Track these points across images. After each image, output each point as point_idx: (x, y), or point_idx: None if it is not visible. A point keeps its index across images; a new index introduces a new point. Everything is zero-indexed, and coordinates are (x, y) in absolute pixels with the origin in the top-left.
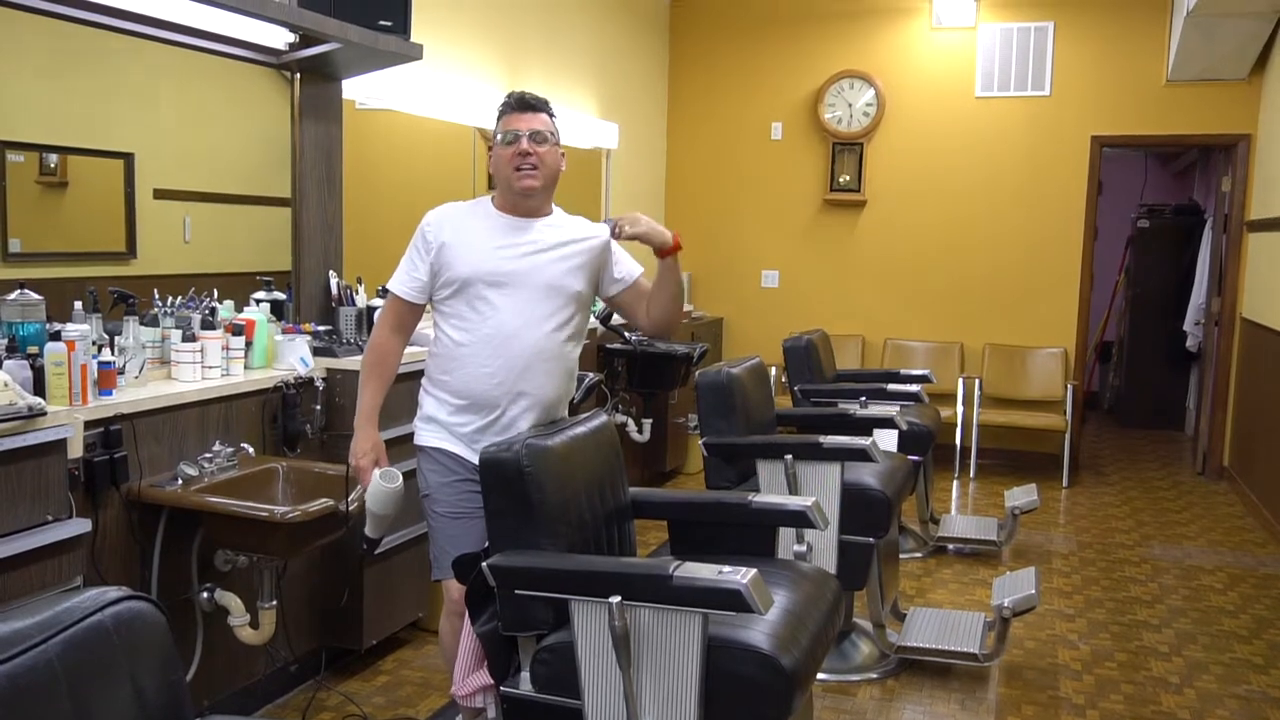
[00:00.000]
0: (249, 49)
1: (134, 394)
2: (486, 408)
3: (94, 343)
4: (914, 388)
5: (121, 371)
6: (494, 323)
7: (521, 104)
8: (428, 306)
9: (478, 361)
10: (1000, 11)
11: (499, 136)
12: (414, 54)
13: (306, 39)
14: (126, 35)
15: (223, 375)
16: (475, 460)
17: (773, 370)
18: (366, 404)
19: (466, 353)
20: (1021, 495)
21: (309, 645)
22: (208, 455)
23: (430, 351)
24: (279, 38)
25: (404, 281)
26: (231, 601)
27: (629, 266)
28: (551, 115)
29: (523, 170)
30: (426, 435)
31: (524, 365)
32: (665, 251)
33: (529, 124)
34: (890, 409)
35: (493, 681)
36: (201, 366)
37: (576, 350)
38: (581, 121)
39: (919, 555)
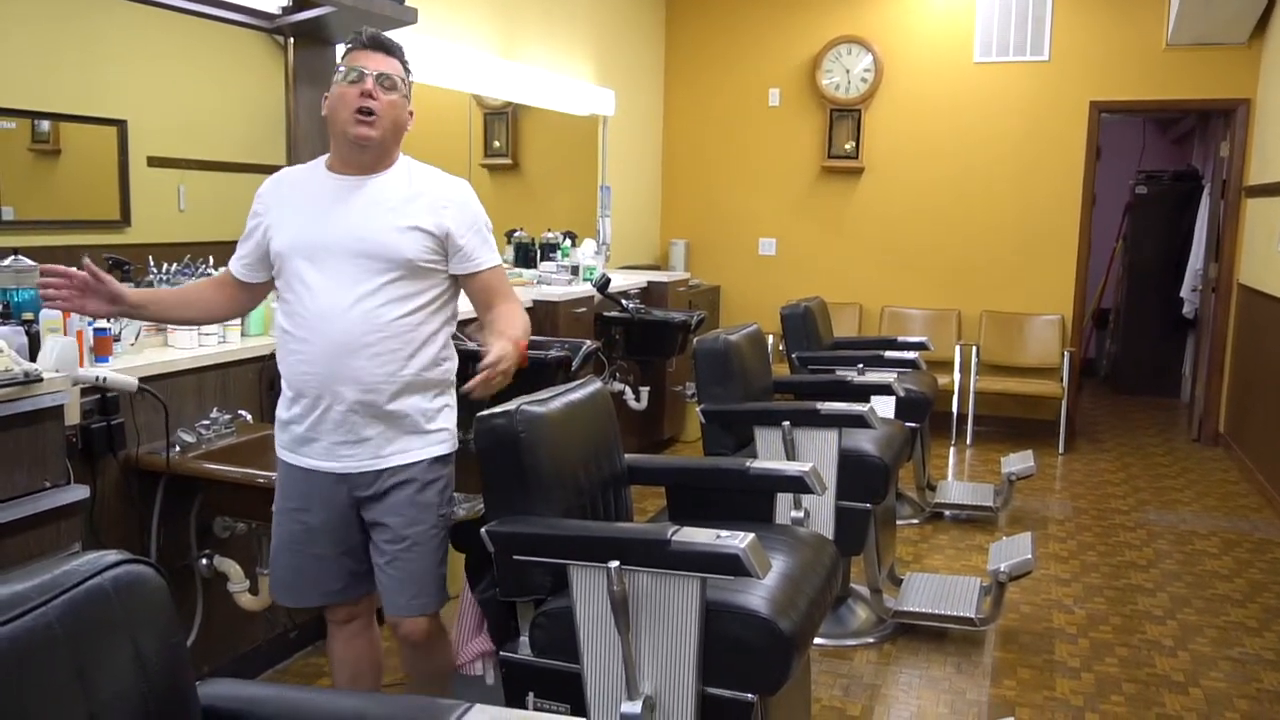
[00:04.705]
0: (242, 13)
1: (130, 361)
2: (310, 400)
3: None
4: (911, 355)
5: (117, 338)
6: (308, 301)
7: (375, 42)
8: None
9: (296, 347)
10: None
11: (340, 72)
12: (408, 18)
13: (300, 2)
14: None
15: (219, 342)
16: (315, 469)
17: (770, 338)
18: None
19: (288, 339)
20: (1018, 462)
21: (308, 611)
22: (205, 422)
23: None
24: (273, 1)
25: (235, 257)
26: (230, 568)
27: (478, 253)
28: (406, 67)
29: (361, 115)
30: (276, 439)
31: (340, 348)
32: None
33: (379, 65)
34: (887, 376)
35: (491, 648)
36: (198, 334)
37: (429, 325)
38: (578, 88)
39: (916, 521)
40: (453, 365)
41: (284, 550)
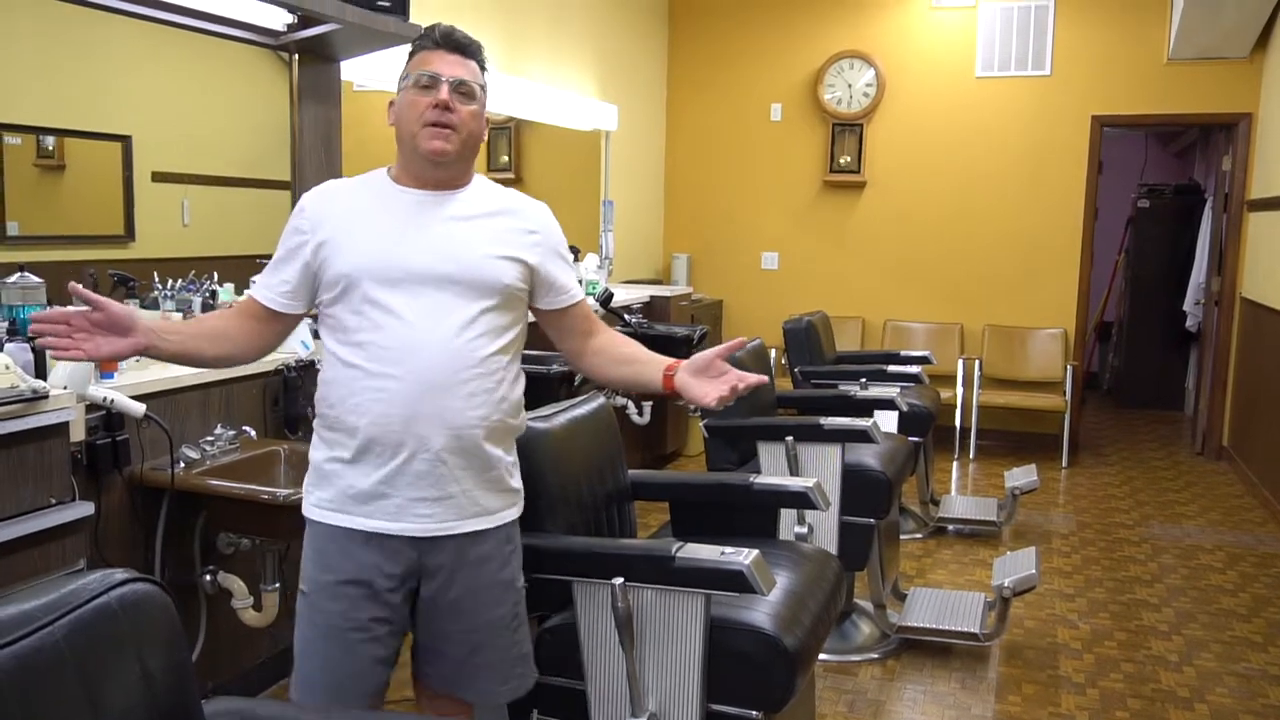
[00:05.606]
0: (247, 30)
1: (135, 377)
2: (389, 448)
3: None
4: (914, 369)
5: None
6: (390, 332)
7: (449, 42)
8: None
9: (373, 386)
10: None
11: (408, 77)
12: (412, 34)
13: (305, 19)
14: (124, 16)
15: None
16: (382, 532)
17: (773, 352)
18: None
19: (358, 376)
20: (1021, 476)
21: None
22: (209, 439)
23: (319, 380)
24: (277, 18)
25: (265, 284)
26: (235, 584)
27: (571, 283)
28: (484, 67)
29: (436, 128)
30: (311, 498)
31: (430, 387)
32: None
33: (454, 70)
34: (890, 390)
35: None
36: None
37: (515, 365)
38: (581, 103)
39: (919, 536)
40: (526, 418)
41: (325, 641)
